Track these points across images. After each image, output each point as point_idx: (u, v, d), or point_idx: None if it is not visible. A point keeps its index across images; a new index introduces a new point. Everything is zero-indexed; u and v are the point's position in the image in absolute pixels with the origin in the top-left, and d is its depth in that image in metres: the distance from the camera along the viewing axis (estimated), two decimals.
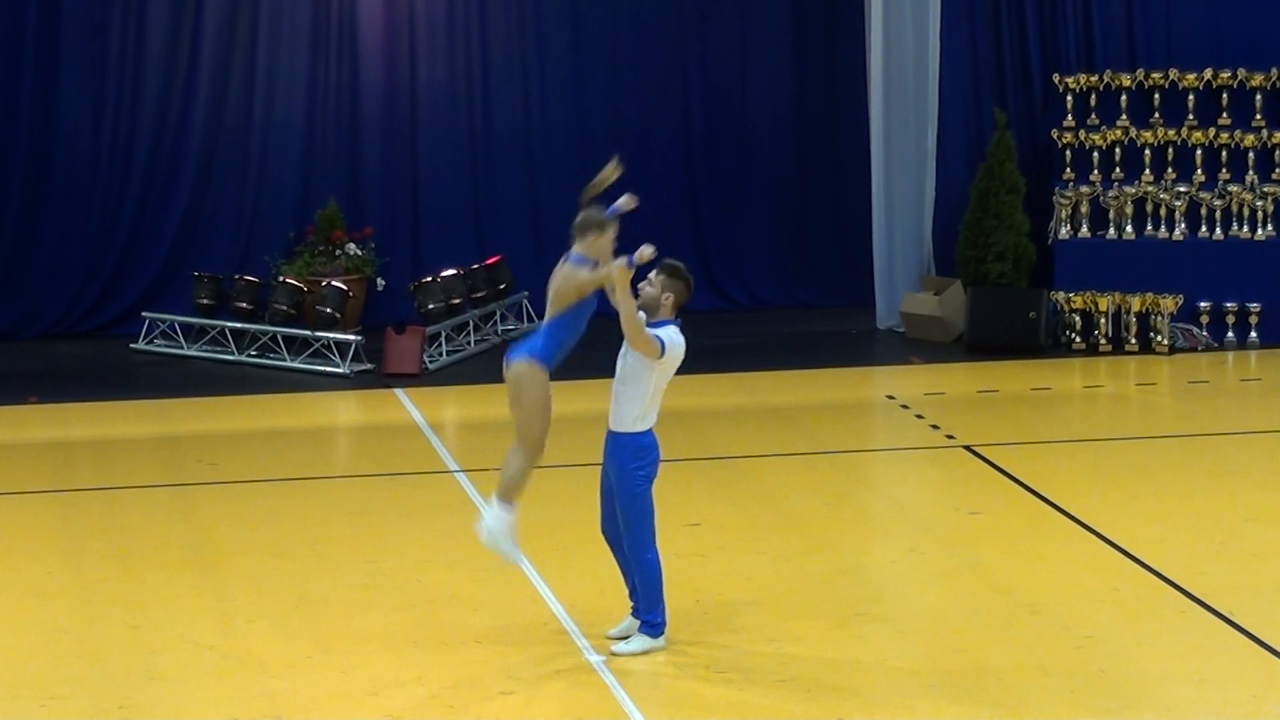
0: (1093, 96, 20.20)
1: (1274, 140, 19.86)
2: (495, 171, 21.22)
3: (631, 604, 11.13)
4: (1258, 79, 19.95)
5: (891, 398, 17.77)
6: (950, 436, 16.13)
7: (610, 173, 11.48)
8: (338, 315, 19.27)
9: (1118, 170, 20.05)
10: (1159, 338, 19.21)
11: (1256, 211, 19.69)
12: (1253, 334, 19.51)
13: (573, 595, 11.72)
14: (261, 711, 10.34)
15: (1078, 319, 19.40)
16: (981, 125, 20.62)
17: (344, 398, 18.26)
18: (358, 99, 20.96)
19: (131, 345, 19.82)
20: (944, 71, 20.42)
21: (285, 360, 19.13)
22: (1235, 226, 19.73)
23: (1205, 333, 19.53)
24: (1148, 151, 19.97)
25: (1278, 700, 10.38)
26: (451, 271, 19.83)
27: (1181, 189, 19.80)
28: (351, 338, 19.04)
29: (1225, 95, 20.01)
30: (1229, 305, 19.53)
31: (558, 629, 11.33)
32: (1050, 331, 19.47)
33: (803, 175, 21.69)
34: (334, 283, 19.61)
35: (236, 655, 11.12)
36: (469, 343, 19.69)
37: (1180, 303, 19.25)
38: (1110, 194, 19.85)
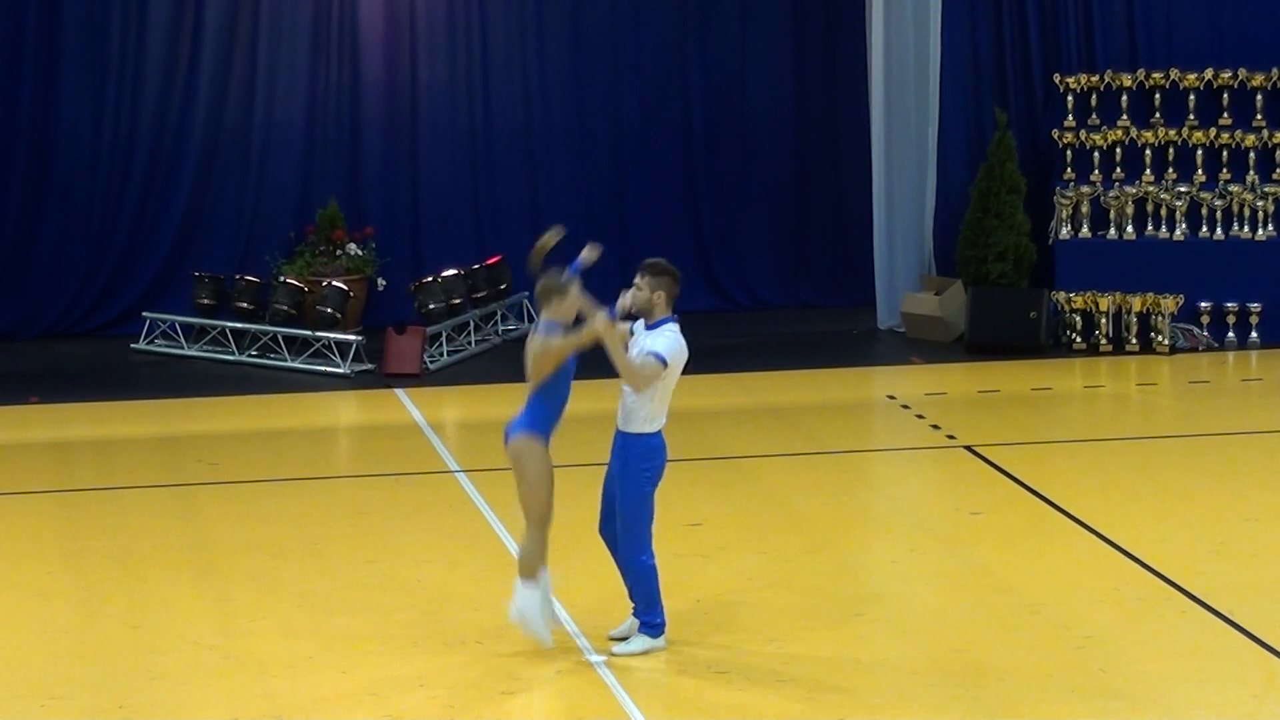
0: (1094, 96, 20.20)
1: (1274, 140, 19.86)
2: (496, 171, 21.22)
3: (632, 604, 11.13)
4: (1258, 79, 19.95)
5: (892, 398, 17.77)
6: (951, 436, 16.13)
7: (549, 239, 11.60)
8: (338, 315, 19.27)
9: (1118, 170, 20.05)
10: (1160, 338, 19.21)
11: (1257, 211, 19.69)
12: (1253, 334, 19.51)
13: (573, 595, 11.72)
14: (261, 711, 10.34)
15: (1078, 319, 19.40)
16: (982, 125, 20.62)
17: (345, 398, 18.26)
18: (358, 99, 20.96)
19: (132, 345, 19.82)
20: (945, 71, 20.42)
21: (286, 360, 19.13)
22: (1236, 226, 19.73)
23: (1206, 333, 19.52)
24: (1148, 151, 19.97)
25: (1278, 700, 10.38)
26: (452, 271, 19.83)
27: (1182, 189, 19.80)
28: (352, 338, 19.04)
29: (1226, 95, 20.01)
30: (1230, 305, 19.53)
31: (558, 629, 11.32)
32: (1051, 331, 19.47)
33: (803, 175, 21.68)
34: (334, 283, 19.61)
35: (237, 655, 11.12)
36: (469, 343, 19.69)
37: (1181, 303, 19.25)
38: (1111, 194, 19.85)
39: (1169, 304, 19.16)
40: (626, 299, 10.91)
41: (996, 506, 14.15)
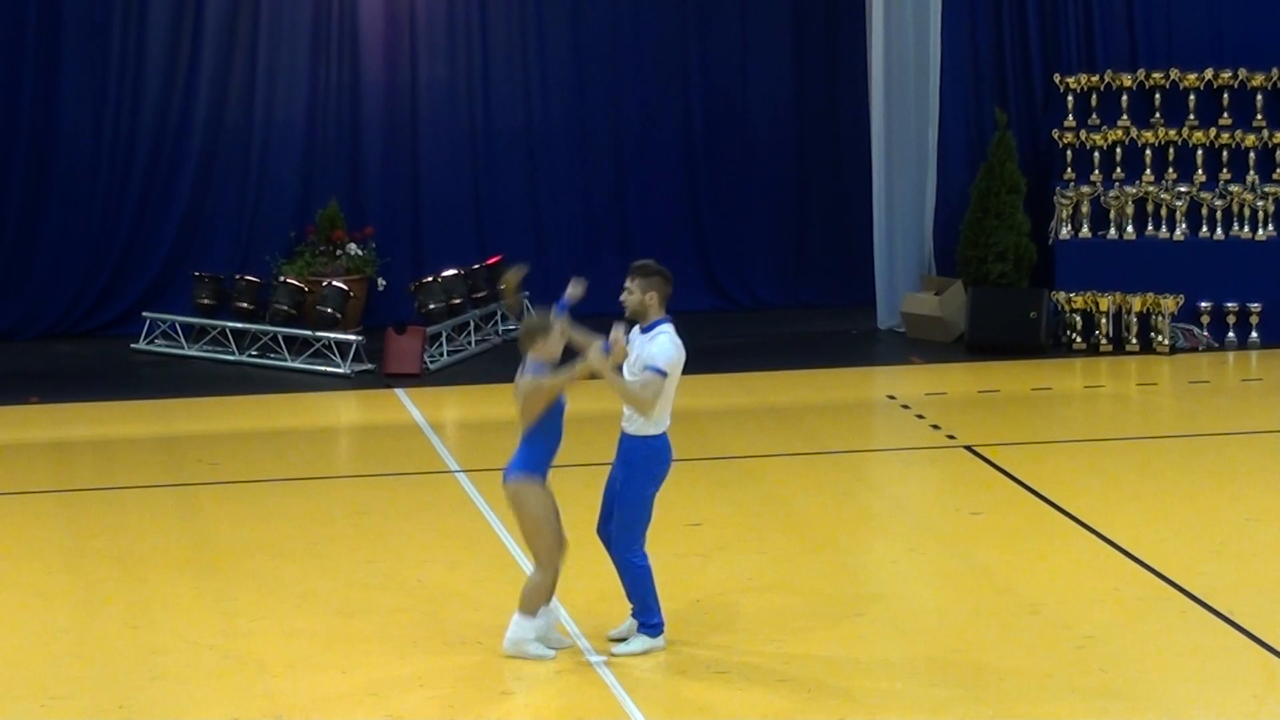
0: (1094, 96, 20.20)
1: (1275, 140, 19.86)
2: (496, 171, 21.22)
3: (632, 605, 11.13)
4: (1258, 79, 19.95)
5: (892, 398, 17.77)
6: (951, 436, 16.13)
7: (514, 277, 11.72)
8: (338, 315, 19.27)
9: (1119, 170, 20.05)
10: (1160, 338, 19.21)
11: (1257, 211, 19.68)
12: (1253, 334, 19.51)
13: (573, 595, 11.71)
14: (261, 711, 10.34)
15: (1078, 319, 19.40)
16: (982, 125, 20.62)
17: (345, 398, 18.26)
18: (358, 99, 20.96)
19: (132, 345, 19.82)
20: (945, 71, 20.42)
21: (286, 360, 19.13)
22: (1236, 226, 19.73)
23: (1206, 333, 19.52)
24: (1148, 151, 19.97)
25: (1278, 700, 10.38)
26: (452, 271, 19.83)
27: (1182, 189, 19.80)
28: (352, 338, 19.04)
29: (1226, 95, 20.01)
30: (1230, 305, 19.53)
31: (559, 629, 11.31)
32: (1051, 331, 19.46)
33: (803, 175, 21.68)
34: (335, 283, 19.61)
35: (237, 655, 11.12)
36: (470, 343, 19.69)
37: (1181, 303, 19.25)
38: (1111, 194, 19.85)
39: (1169, 304, 19.16)
40: (620, 333, 10.83)
41: (996, 506, 14.15)
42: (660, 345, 10.79)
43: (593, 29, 21.33)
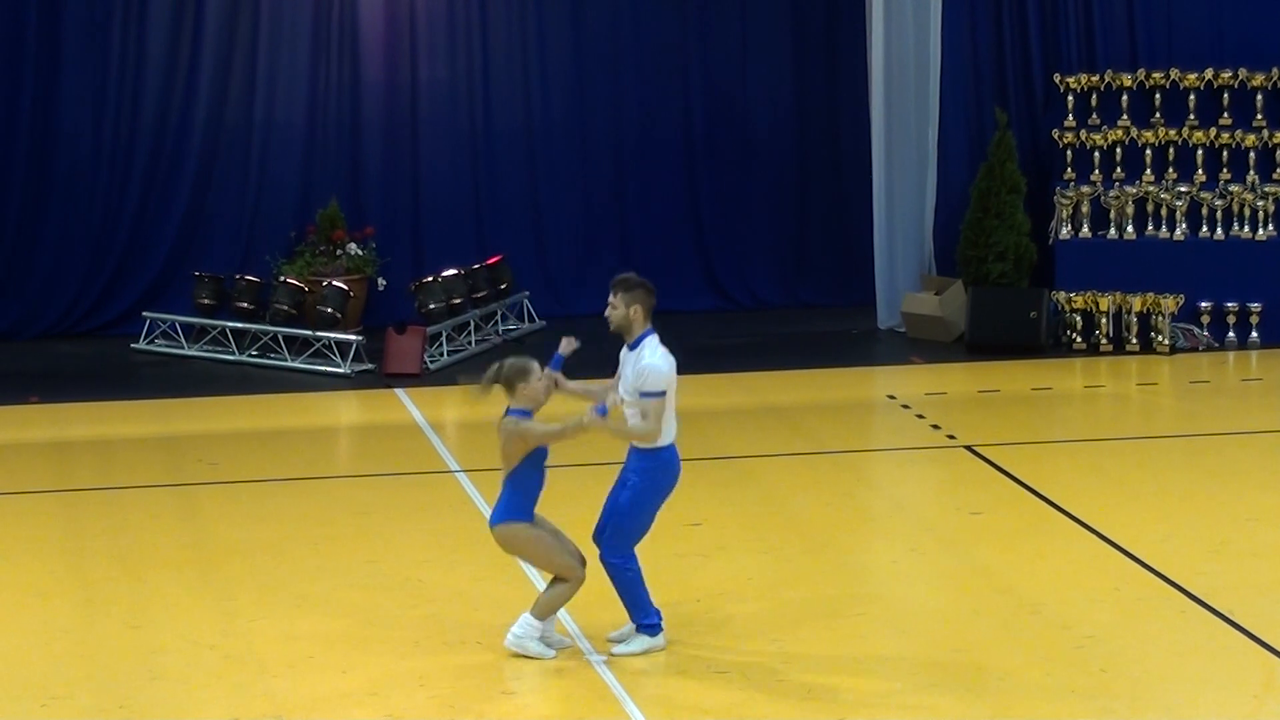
0: (1094, 96, 20.20)
1: (1275, 140, 19.86)
2: (496, 171, 21.23)
3: (626, 609, 11.12)
4: (1259, 79, 19.95)
5: (892, 398, 17.77)
6: (951, 436, 16.13)
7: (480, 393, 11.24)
8: (339, 315, 19.28)
9: (1119, 170, 20.05)
10: (1160, 338, 19.21)
11: (1257, 211, 19.68)
12: (1254, 334, 19.51)
13: (574, 596, 11.71)
14: (261, 711, 10.34)
15: (1079, 319, 19.40)
16: (983, 125, 20.62)
17: (345, 398, 18.26)
18: (359, 99, 20.96)
19: (132, 345, 19.82)
20: (945, 71, 20.42)
21: (286, 360, 19.13)
22: (1236, 226, 19.73)
23: (1206, 333, 19.52)
24: (1149, 151, 19.97)
25: (1278, 700, 10.38)
26: (452, 271, 19.83)
27: (1182, 189, 19.80)
28: (352, 337, 19.04)
29: (1226, 95, 20.01)
30: (1230, 305, 19.53)
31: (558, 629, 11.31)
32: (1051, 331, 19.47)
33: (803, 175, 21.69)
34: (335, 282, 19.61)
35: (237, 655, 11.12)
36: (470, 342, 19.70)
37: (1181, 303, 19.25)
38: (1111, 194, 19.85)
39: (1169, 304, 19.16)
40: (615, 397, 10.81)
41: (996, 506, 14.14)
42: (650, 365, 10.73)
43: (593, 29, 21.33)
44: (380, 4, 20.90)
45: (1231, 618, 11.48)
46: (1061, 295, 19.39)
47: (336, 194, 20.64)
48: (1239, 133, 19.85)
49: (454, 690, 10.57)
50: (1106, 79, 20.16)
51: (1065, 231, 19.82)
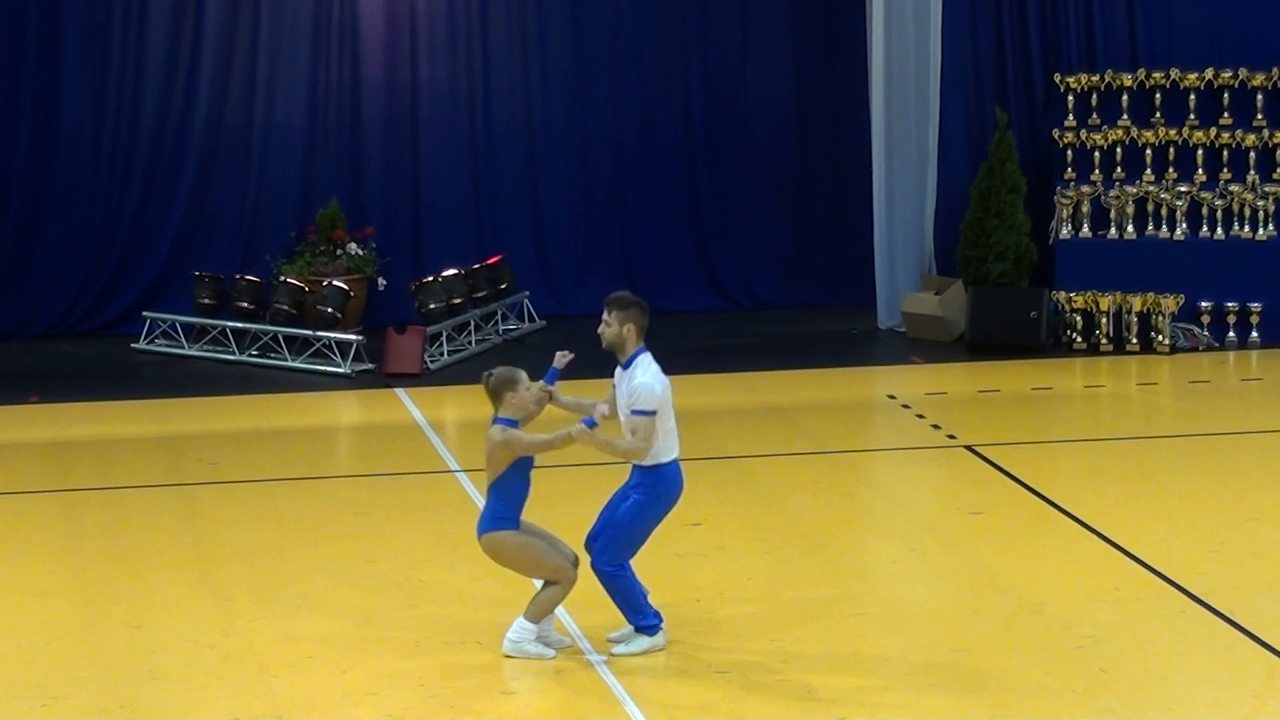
0: (1094, 96, 20.20)
1: (1275, 140, 19.86)
2: (496, 171, 21.22)
3: (622, 613, 11.13)
4: (1259, 79, 19.95)
5: (892, 397, 17.77)
6: (951, 436, 16.13)
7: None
8: (339, 315, 19.28)
9: (1119, 170, 20.05)
10: (1160, 337, 19.21)
11: (1258, 211, 19.68)
12: (1254, 334, 19.51)
13: (573, 596, 11.69)
14: (261, 711, 10.34)
15: (1079, 319, 19.39)
16: (983, 125, 20.61)
17: (345, 397, 18.26)
18: (359, 98, 20.96)
19: (132, 345, 19.82)
20: (945, 71, 20.42)
21: (286, 360, 19.13)
22: (1236, 226, 19.73)
23: (1206, 332, 19.52)
24: (1149, 151, 19.97)
25: (1278, 700, 10.38)
26: (453, 271, 19.83)
27: (1183, 189, 19.80)
28: (352, 337, 19.04)
29: (1226, 95, 20.01)
30: (1230, 305, 19.53)
31: (558, 629, 11.31)
32: (1051, 331, 19.46)
33: (804, 174, 21.68)
34: (335, 282, 19.61)
35: (237, 655, 11.13)
36: (470, 342, 19.69)
37: (1181, 302, 19.25)
38: (1111, 194, 19.85)
39: (1169, 304, 19.16)
40: (605, 409, 10.82)
41: (996, 506, 14.15)
42: (643, 385, 10.73)
43: (593, 29, 21.32)
44: (380, 4, 20.89)
45: (1231, 617, 11.48)
46: (1062, 295, 19.38)
47: (336, 194, 20.64)
48: (1239, 133, 19.85)
49: (454, 690, 10.57)
50: (1107, 79, 20.15)
51: (1065, 231, 19.82)
